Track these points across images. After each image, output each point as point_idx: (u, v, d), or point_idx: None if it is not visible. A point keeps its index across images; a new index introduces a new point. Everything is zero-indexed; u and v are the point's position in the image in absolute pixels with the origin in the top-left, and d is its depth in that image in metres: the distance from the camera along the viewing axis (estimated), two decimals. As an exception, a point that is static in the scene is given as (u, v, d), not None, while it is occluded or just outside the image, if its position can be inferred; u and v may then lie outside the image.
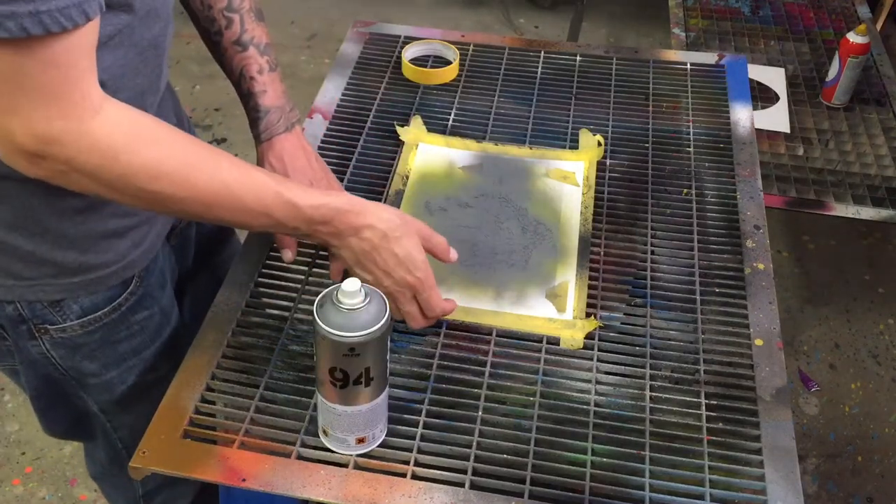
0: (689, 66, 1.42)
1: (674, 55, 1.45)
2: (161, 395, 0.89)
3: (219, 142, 2.67)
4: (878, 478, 1.85)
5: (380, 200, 1.14)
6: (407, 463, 0.84)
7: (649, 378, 0.93)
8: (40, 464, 1.80)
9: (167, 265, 1.06)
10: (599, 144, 1.23)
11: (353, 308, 0.74)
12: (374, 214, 0.88)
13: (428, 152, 1.23)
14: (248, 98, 1.04)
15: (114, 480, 1.25)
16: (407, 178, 1.18)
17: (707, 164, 1.23)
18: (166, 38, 0.89)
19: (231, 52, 1.03)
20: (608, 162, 1.22)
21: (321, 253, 1.06)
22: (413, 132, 1.25)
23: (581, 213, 1.13)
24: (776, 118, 1.91)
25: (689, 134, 1.28)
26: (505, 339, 0.97)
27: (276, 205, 0.83)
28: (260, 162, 1.03)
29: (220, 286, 1.01)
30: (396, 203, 1.14)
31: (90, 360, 0.99)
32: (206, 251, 1.22)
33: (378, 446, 0.85)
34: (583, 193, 1.16)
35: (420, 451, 0.85)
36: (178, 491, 1.23)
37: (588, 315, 0.99)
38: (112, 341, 0.99)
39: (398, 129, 1.26)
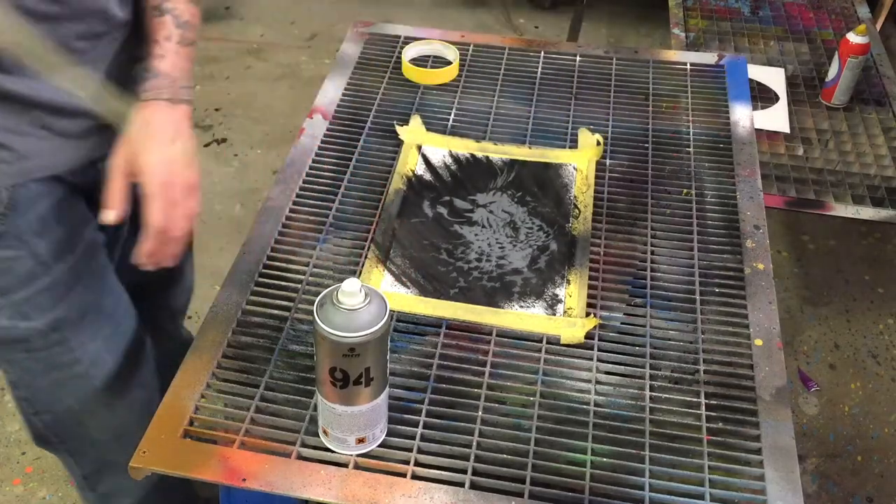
0: (688, 66, 1.42)
1: (674, 55, 1.45)
2: (40, 348, 0.92)
3: (219, 142, 2.66)
4: (878, 478, 1.85)
5: (380, 200, 1.15)
6: (407, 463, 0.84)
7: (649, 378, 0.93)
8: (40, 464, 1.80)
9: (65, 222, 1.01)
10: (598, 143, 1.23)
11: (353, 308, 0.74)
12: None
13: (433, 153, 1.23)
14: (145, 61, 0.99)
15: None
16: (407, 177, 1.18)
17: (707, 164, 1.23)
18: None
19: (149, 17, 0.99)
20: (608, 162, 1.22)
21: (321, 253, 1.06)
22: (413, 132, 1.25)
23: (580, 211, 1.13)
24: (776, 118, 1.91)
25: (688, 134, 1.28)
26: (505, 339, 0.97)
27: None
28: (131, 122, 0.93)
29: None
30: (397, 203, 1.14)
31: None
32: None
33: (378, 446, 0.85)
34: (582, 192, 1.16)
35: (420, 451, 0.85)
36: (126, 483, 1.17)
37: (588, 315, 0.99)
38: None
39: (398, 128, 1.26)
